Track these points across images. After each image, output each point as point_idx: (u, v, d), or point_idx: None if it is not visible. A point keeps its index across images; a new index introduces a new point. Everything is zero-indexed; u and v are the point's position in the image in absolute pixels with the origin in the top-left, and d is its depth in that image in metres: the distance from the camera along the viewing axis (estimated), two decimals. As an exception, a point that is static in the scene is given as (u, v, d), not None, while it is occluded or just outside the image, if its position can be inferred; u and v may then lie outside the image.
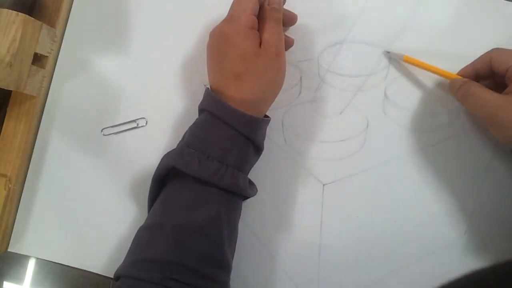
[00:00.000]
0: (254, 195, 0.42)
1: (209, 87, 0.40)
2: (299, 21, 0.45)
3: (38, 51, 0.45)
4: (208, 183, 0.37)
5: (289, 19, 0.44)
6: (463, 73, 0.43)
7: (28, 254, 0.48)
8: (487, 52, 0.41)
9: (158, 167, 0.40)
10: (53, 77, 0.49)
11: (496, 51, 0.40)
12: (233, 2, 0.40)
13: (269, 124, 0.45)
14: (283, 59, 0.39)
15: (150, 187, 0.41)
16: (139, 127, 0.47)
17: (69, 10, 0.49)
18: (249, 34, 0.38)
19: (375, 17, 0.46)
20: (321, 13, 0.46)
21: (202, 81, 0.47)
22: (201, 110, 0.40)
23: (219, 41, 0.39)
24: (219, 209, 0.37)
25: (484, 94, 0.39)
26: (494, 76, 0.41)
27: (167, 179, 0.40)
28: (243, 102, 0.38)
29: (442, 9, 0.46)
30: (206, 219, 0.37)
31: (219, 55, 0.39)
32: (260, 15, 0.40)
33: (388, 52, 0.45)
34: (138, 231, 0.39)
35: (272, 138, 0.46)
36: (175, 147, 0.40)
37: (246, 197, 0.41)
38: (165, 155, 0.40)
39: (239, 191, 0.38)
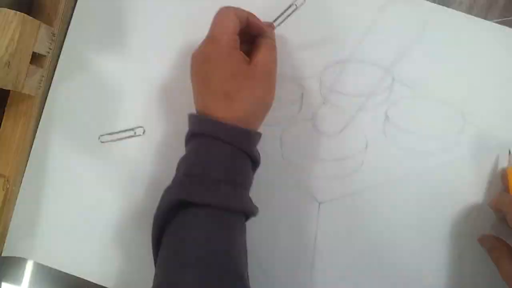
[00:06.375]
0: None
1: (196, 112, 0.39)
2: (302, 39, 0.45)
3: (36, 51, 0.44)
4: (220, 208, 0.34)
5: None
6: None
7: (25, 257, 0.48)
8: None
9: (160, 205, 0.36)
10: (54, 79, 0.48)
11: None
12: (213, 23, 0.39)
13: (268, 140, 0.45)
14: (273, 79, 0.39)
15: (153, 226, 0.37)
16: (137, 135, 0.47)
17: (67, 9, 0.48)
18: (234, 54, 0.38)
19: (380, 38, 0.45)
20: (325, 31, 0.46)
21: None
22: (193, 136, 0.38)
23: (203, 63, 0.38)
24: (235, 235, 0.35)
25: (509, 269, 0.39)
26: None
27: (168, 218, 0.36)
28: (235, 120, 0.37)
29: (448, 33, 0.45)
30: (224, 252, 0.34)
31: (205, 78, 0.38)
32: (255, 43, 0.40)
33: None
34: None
35: (270, 154, 0.45)
36: (172, 157, 0.40)
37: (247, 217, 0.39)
38: (165, 191, 0.37)
39: (248, 212, 0.37)
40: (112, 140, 0.47)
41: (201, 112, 0.38)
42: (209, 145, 0.37)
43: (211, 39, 0.38)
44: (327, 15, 0.46)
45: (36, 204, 0.48)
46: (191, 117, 0.39)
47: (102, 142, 0.47)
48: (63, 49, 0.48)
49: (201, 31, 0.46)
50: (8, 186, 0.46)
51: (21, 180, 0.48)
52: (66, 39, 0.48)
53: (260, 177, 0.45)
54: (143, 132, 0.46)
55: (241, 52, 0.39)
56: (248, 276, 0.36)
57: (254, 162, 0.39)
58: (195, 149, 0.38)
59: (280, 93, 0.45)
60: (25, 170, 0.48)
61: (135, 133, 0.46)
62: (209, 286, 0.32)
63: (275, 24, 0.45)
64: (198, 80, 0.39)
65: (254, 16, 0.41)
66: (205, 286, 0.32)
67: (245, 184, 0.38)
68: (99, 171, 0.47)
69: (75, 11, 0.49)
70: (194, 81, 0.39)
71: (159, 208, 0.36)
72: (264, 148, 0.45)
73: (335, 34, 0.46)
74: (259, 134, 0.40)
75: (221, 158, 0.36)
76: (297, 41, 0.45)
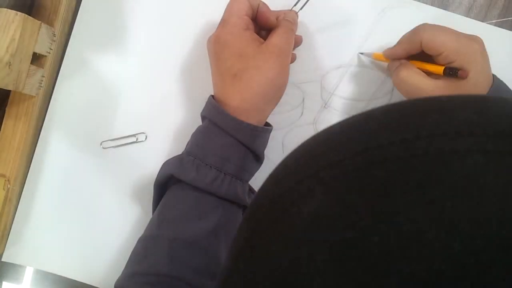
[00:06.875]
0: None
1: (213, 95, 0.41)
2: (303, 44, 0.45)
3: (37, 51, 0.44)
4: (205, 192, 0.37)
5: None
6: (391, 54, 0.41)
7: (24, 264, 0.48)
8: (416, 33, 0.38)
9: (158, 174, 0.40)
10: (57, 82, 0.48)
11: (426, 34, 0.37)
12: (225, 8, 0.39)
13: (269, 144, 0.45)
14: (285, 61, 0.38)
15: (153, 194, 0.41)
16: (139, 142, 0.47)
17: (68, 9, 0.48)
18: (243, 34, 0.38)
19: (380, 42, 0.45)
20: (326, 36, 0.46)
21: (204, 98, 0.46)
22: (203, 117, 0.40)
23: (214, 46, 0.39)
24: (218, 220, 0.37)
25: (415, 81, 0.37)
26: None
27: (168, 185, 0.40)
28: (243, 106, 0.37)
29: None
30: (202, 232, 0.37)
31: (216, 60, 0.39)
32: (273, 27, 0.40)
33: (362, 53, 0.45)
34: (137, 241, 0.40)
35: (272, 158, 0.45)
36: None
37: (246, 207, 0.41)
38: (165, 162, 0.40)
39: (237, 200, 0.38)
40: (114, 146, 0.47)
41: (216, 96, 0.40)
42: (211, 130, 0.38)
43: (221, 23, 0.39)
44: (327, 21, 0.46)
45: (36, 210, 0.48)
46: (208, 97, 0.40)
47: (104, 148, 0.47)
48: (66, 52, 0.48)
49: (204, 35, 0.47)
50: (9, 186, 0.46)
51: (22, 180, 0.48)
52: (69, 43, 0.48)
53: (262, 181, 0.45)
54: (145, 138, 0.46)
55: (254, 33, 0.39)
56: (221, 263, 0.37)
57: (256, 155, 0.40)
58: (201, 130, 0.40)
59: (282, 97, 0.45)
60: (27, 170, 0.48)
61: (137, 139, 0.46)
62: (168, 269, 0.36)
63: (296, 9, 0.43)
64: (212, 64, 0.40)
65: (266, 6, 0.40)
66: (166, 268, 0.36)
67: (239, 174, 0.38)
68: (102, 176, 0.47)
69: (78, 14, 0.48)
70: (211, 66, 0.40)
71: (157, 176, 0.40)
72: (266, 152, 0.45)
73: (336, 38, 0.46)
74: (265, 129, 0.39)
75: (219, 146, 0.38)
76: (298, 46, 0.45)
